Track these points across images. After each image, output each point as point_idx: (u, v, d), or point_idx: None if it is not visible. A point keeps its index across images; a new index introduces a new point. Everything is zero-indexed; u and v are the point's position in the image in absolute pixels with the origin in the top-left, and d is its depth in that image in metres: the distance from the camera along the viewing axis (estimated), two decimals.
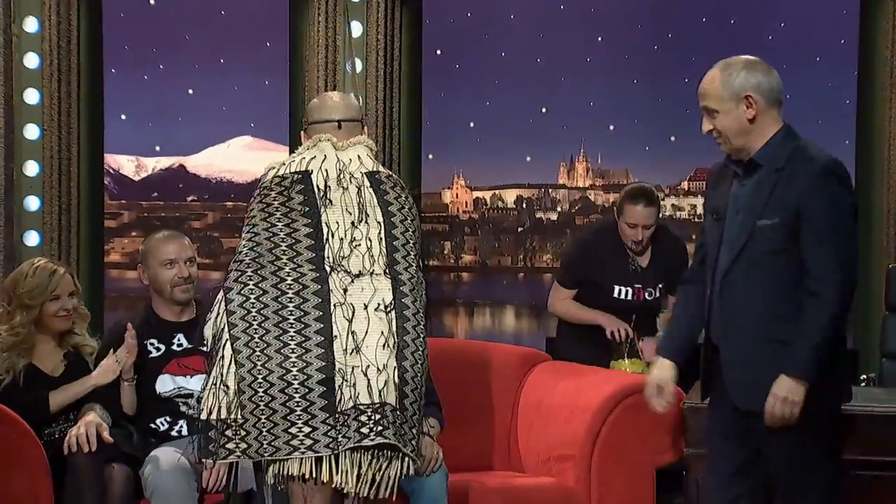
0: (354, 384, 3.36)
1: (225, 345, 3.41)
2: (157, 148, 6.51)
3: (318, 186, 3.54)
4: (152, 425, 4.23)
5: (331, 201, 3.54)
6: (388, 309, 3.45)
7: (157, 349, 4.30)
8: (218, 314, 3.46)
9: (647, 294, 5.03)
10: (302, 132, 3.81)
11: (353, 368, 3.37)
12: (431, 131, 6.23)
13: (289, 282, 3.44)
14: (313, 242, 3.48)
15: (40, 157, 5.96)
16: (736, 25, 6.21)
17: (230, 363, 3.40)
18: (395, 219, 3.57)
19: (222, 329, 3.43)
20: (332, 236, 3.49)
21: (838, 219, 3.34)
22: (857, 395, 3.89)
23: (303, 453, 3.35)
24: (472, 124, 6.52)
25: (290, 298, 3.42)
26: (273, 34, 6.27)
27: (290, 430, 3.35)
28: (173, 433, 4.24)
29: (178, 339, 4.32)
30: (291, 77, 6.13)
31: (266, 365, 3.37)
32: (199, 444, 3.44)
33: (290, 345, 3.38)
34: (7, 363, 4.20)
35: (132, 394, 4.21)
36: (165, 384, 4.27)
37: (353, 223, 3.53)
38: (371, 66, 6.01)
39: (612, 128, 6.33)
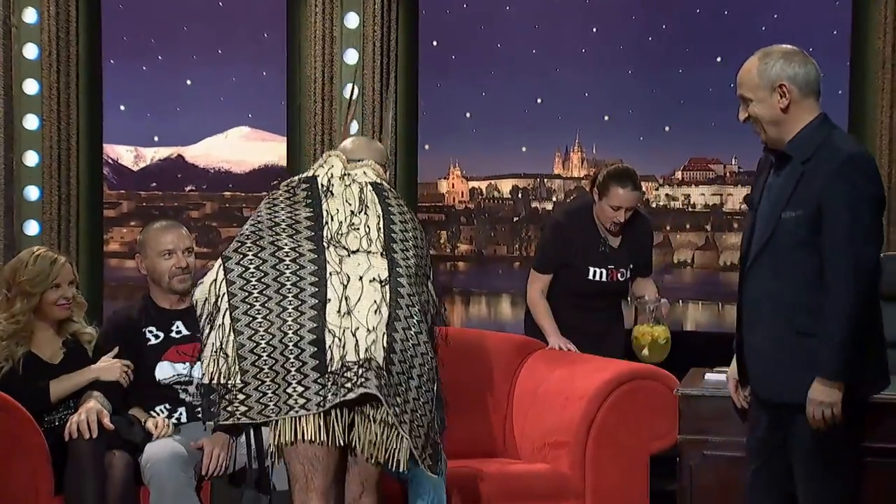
0: (344, 344, 3.40)
1: (224, 314, 3.47)
2: (156, 138, 6.51)
3: (322, 184, 3.65)
4: (152, 413, 4.25)
5: (332, 193, 3.63)
6: (383, 283, 3.50)
7: (156, 336, 4.32)
8: (214, 281, 3.52)
9: (619, 275, 5.01)
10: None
11: (344, 330, 3.41)
12: (428, 122, 6.23)
13: (286, 251, 3.50)
14: (313, 223, 3.56)
15: (40, 147, 5.96)
16: (729, 17, 6.21)
17: (229, 331, 3.45)
18: (395, 217, 3.64)
19: (221, 297, 3.48)
20: (332, 220, 3.57)
21: (857, 213, 3.30)
22: None
23: (297, 412, 3.38)
24: (468, 115, 6.52)
25: (288, 266, 3.48)
26: (271, 26, 6.26)
27: (286, 391, 3.40)
28: (172, 420, 4.25)
29: (177, 327, 4.34)
30: (289, 68, 6.13)
31: (267, 330, 3.42)
32: (203, 408, 3.52)
33: (287, 309, 3.44)
34: (6, 351, 4.21)
35: None
36: (164, 371, 4.28)
37: (352, 212, 3.60)
38: (368, 58, 6.00)
39: (606, 118, 6.33)
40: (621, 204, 4.88)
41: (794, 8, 6.13)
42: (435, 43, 6.36)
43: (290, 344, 3.41)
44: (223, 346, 3.45)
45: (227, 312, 3.46)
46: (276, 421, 3.42)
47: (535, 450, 4.50)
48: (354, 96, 5.77)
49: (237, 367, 3.42)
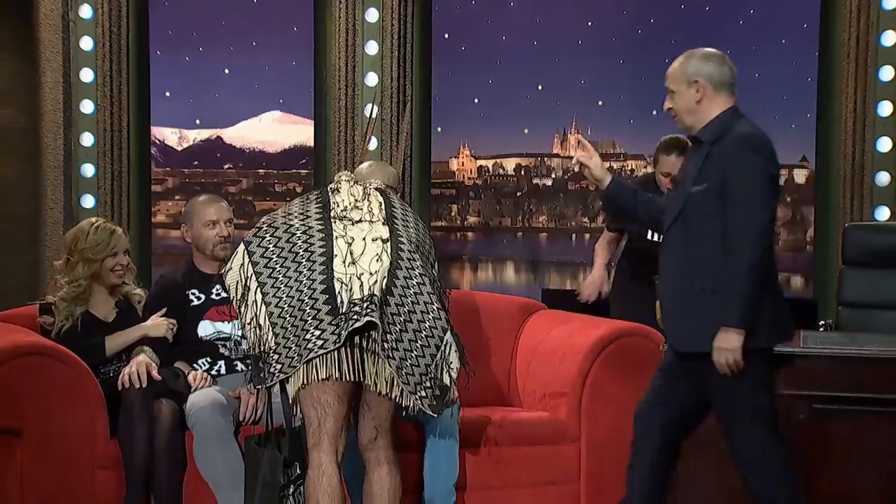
0: (350, 288, 3.41)
1: (255, 291, 3.49)
2: (198, 121, 6.49)
3: (331, 188, 3.68)
4: (194, 366, 4.25)
5: (339, 191, 3.65)
6: (385, 241, 3.51)
7: (199, 298, 4.31)
8: (242, 264, 3.54)
9: None
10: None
11: (350, 276, 3.42)
12: (440, 106, 6.21)
13: (297, 225, 3.54)
14: (320, 208, 3.59)
15: (94, 129, 5.96)
16: (711, 11, 6.17)
17: (261, 305, 3.46)
18: (397, 212, 3.64)
19: (249, 277, 3.51)
20: (337, 205, 3.59)
21: (754, 186, 3.43)
22: (817, 340, 3.92)
23: (317, 353, 3.38)
24: (476, 100, 6.50)
25: (299, 237, 3.51)
26: (299, 20, 6.24)
27: (305, 338, 3.40)
28: (213, 372, 4.26)
29: (217, 289, 4.32)
30: (316, 58, 6.12)
31: (288, 294, 3.44)
32: (250, 374, 3.53)
33: (302, 272, 3.45)
34: (66, 311, 4.22)
35: None
36: (206, 329, 4.28)
37: (356, 200, 3.61)
38: (386, 49, 5.99)
39: (600, 103, 6.31)
40: (668, 170, 4.75)
41: (768, 3, 6.09)
42: (447, 35, 6.33)
43: (305, 298, 3.42)
44: (257, 318, 3.47)
45: (258, 289, 3.48)
46: (297, 367, 3.42)
47: (537, 399, 4.50)
48: (374, 115, 5.74)
49: (270, 332, 3.44)
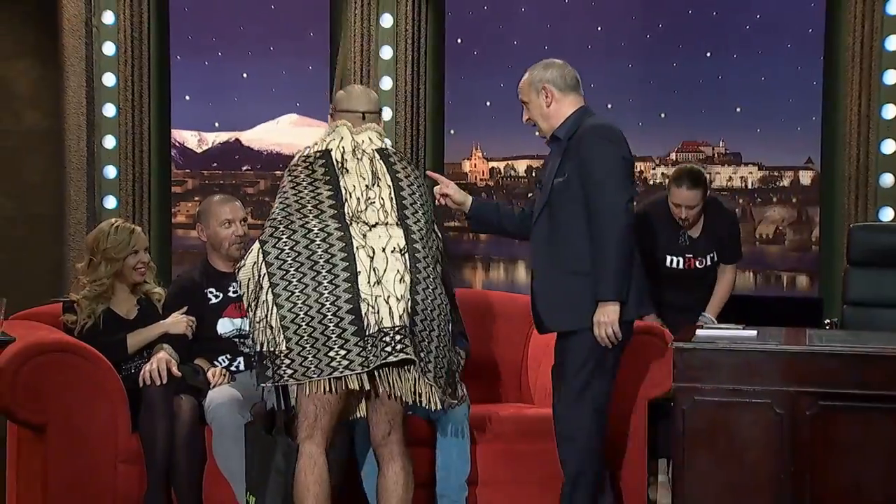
0: (378, 311, 3.40)
1: (267, 291, 3.45)
2: (216, 124, 6.50)
3: (336, 160, 3.58)
4: (214, 362, 4.26)
5: (347, 170, 3.57)
6: (403, 251, 3.49)
7: (216, 296, 4.31)
8: (255, 263, 3.50)
9: (697, 263, 4.86)
10: (329, 116, 3.82)
11: (376, 298, 3.42)
12: (453, 109, 6.20)
13: (316, 231, 3.47)
14: (334, 202, 3.52)
15: (116, 132, 5.97)
16: (717, 17, 6.15)
17: (272, 306, 3.43)
18: (403, 183, 3.61)
19: (262, 277, 3.46)
20: (350, 196, 3.54)
21: (608, 169, 3.64)
22: (822, 337, 3.90)
23: (341, 372, 3.40)
24: (488, 103, 6.48)
25: (318, 245, 3.46)
26: (316, 25, 6.24)
27: (329, 354, 3.40)
28: (232, 368, 4.26)
29: (233, 287, 4.32)
30: (331, 62, 6.11)
31: (305, 302, 3.41)
32: (256, 372, 3.52)
33: (322, 283, 3.42)
34: (89, 309, 4.24)
35: None
36: (225, 326, 4.29)
37: (367, 186, 3.56)
38: (400, 53, 5.98)
39: (609, 106, 6.28)
40: (679, 202, 4.74)
41: (773, 9, 6.06)
42: (459, 40, 6.32)
43: (329, 313, 3.40)
44: (268, 319, 3.44)
45: (269, 290, 3.44)
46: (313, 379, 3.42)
47: (547, 395, 4.48)
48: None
49: (282, 335, 3.42)
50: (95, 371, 4.00)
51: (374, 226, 3.51)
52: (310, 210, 3.52)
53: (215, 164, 6.50)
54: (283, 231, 3.50)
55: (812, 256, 6.00)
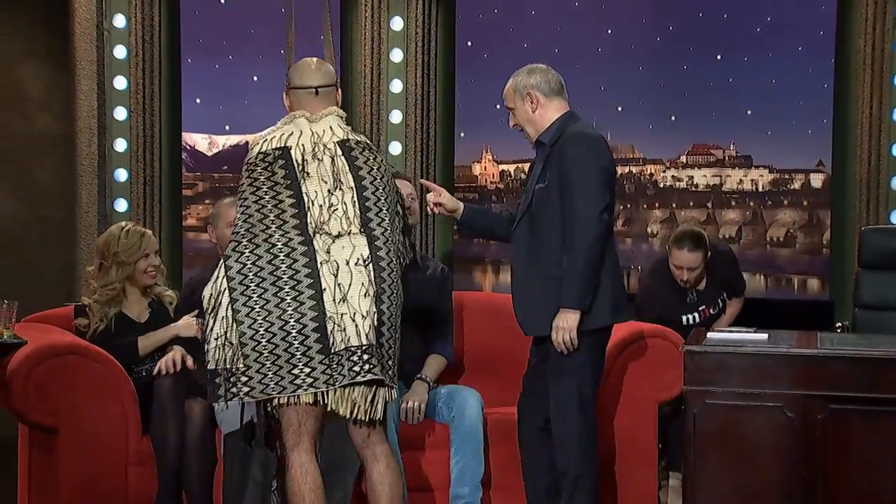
0: (344, 329, 3.35)
1: (227, 307, 3.37)
2: (227, 127, 6.50)
3: (296, 161, 3.45)
4: None
5: (308, 174, 3.45)
6: (367, 262, 3.41)
7: None
8: (217, 278, 3.41)
9: (711, 310, 4.93)
10: (284, 94, 3.68)
11: (342, 315, 3.36)
12: (463, 112, 6.20)
13: (279, 246, 3.38)
14: (297, 211, 3.41)
15: (127, 135, 5.98)
16: (728, 19, 6.14)
17: (231, 322, 3.36)
18: (366, 181, 3.49)
19: (222, 293, 3.38)
20: (313, 204, 3.43)
21: (585, 178, 3.66)
22: (834, 341, 3.90)
23: (305, 390, 3.35)
24: (498, 106, 6.41)
25: (282, 261, 3.37)
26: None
27: (292, 371, 3.34)
28: None
29: None
30: (342, 65, 6.11)
31: (266, 318, 3.34)
32: (209, 389, 3.42)
33: (286, 299, 3.35)
34: (101, 313, 4.25)
35: None
36: None
37: (329, 191, 3.45)
38: (411, 56, 5.98)
39: (619, 109, 6.28)
40: (682, 264, 4.80)
41: (785, 11, 6.05)
42: (469, 43, 6.33)
43: (294, 331, 3.34)
44: (227, 335, 3.37)
45: (229, 305, 3.36)
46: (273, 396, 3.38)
47: None
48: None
49: (240, 352, 3.35)
50: (107, 374, 4.01)
51: (337, 237, 3.42)
52: (272, 220, 3.41)
53: (226, 168, 6.51)
54: (245, 245, 3.40)
55: (823, 259, 5.99)
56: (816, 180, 6.04)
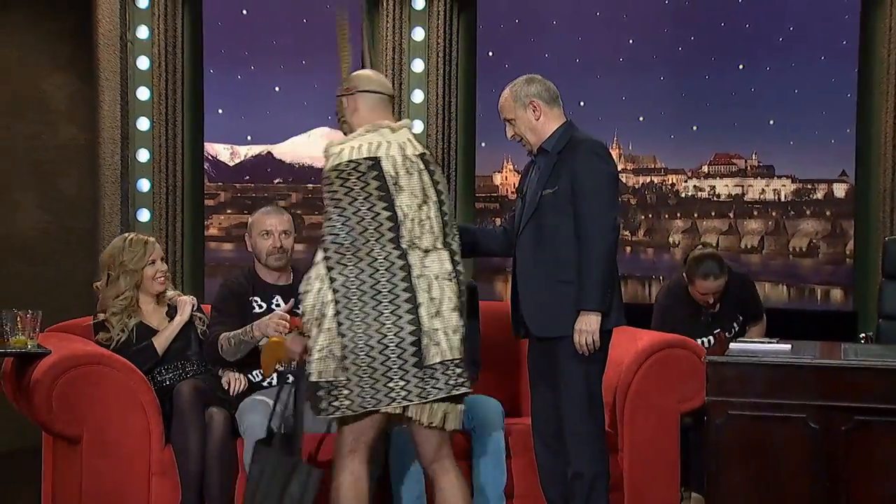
0: (438, 343, 3.42)
1: (331, 318, 3.41)
2: (249, 137, 6.53)
3: (388, 173, 3.49)
4: (249, 376, 4.27)
5: (401, 187, 3.50)
6: (451, 277, 3.50)
7: (260, 307, 4.30)
8: (320, 289, 3.43)
9: (726, 334, 4.92)
10: (345, 97, 3.66)
11: (435, 329, 3.43)
12: (484, 122, 6.21)
13: (380, 260, 3.43)
14: (392, 224, 3.46)
15: (150, 145, 6.02)
16: (750, 29, 6.13)
17: (336, 334, 3.41)
18: (442, 196, 3.58)
19: (327, 303, 3.41)
20: (405, 218, 3.48)
21: (598, 185, 3.76)
22: (857, 351, 3.87)
23: (399, 403, 3.41)
24: None
25: (382, 275, 3.42)
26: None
27: (388, 385, 3.40)
28: (265, 383, 4.27)
29: (277, 301, 4.32)
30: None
31: (366, 332, 3.39)
32: (313, 403, 3.46)
33: (384, 313, 3.40)
34: (120, 324, 4.26)
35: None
36: (264, 339, 4.28)
37: (418, 205, 3.51)
38: (432, 66, 6.00)
39: (641, 119, 6.27)
40: (707, 292, 4.85)
41: (807, 20, 6.03)
42: (490, 53, 6.33)
43: (392, 344, 3.40)
44: (331, 347, 3.41)
45: (334, 317, 3.41)
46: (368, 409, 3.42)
47: None
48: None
49: (342, 364, 3.40)
50: (129, 383, 4.03)
51: (427, 251, 3.49)
52: (371, 233, 3.45)
53: (247, 178, 6.53)
54: (349, 258, 3.44)
55: (846, 269, 5.96)
56: (839, 190, 6.01)
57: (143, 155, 6.01)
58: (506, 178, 6.60)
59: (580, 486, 3.82)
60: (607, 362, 3.91)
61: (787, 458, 3.58)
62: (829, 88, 5.93)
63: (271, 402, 4.07)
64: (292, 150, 6.56)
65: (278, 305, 4.29)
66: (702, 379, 3.74)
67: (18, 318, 3.94)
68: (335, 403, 3.41)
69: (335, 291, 3.41)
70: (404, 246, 3.46)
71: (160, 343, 4.23)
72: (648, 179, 6.34)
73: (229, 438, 4.03)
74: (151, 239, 4.38)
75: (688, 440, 4.55)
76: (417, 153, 3.57)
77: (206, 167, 6.31)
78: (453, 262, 3.53)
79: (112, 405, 3.99)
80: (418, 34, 6.02)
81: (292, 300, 4.19)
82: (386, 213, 3.46)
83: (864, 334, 5.02)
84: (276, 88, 6.39)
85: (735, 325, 4.95)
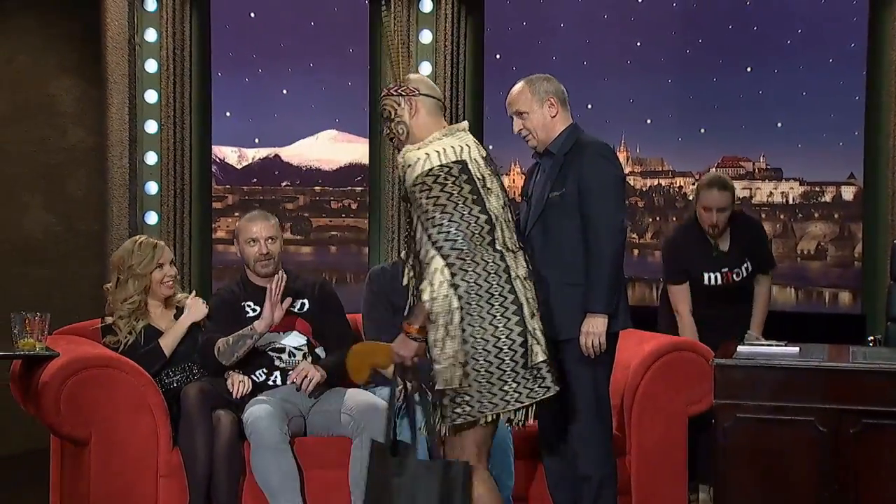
0: (540, 342, 3.46)
1: (457, 326, 3.40)
2: (257, 140, 6.54)
3: (476, 176, 3.47)
4: (252, 377, 4.28)
5: (490, 189, 3.49)
6: (529, 279, 3.54)
7: (254, 310, 4.33)
8: (447, 296, 3.39)
9: (734, 275, 4.93)
10: (403, 98, 3.61)
11: (534, 329, 3.46)
12: (492, 125, 6.20)
13: (490, 264, 3.42)
14: (490, 227, 3.45)
15: (158, 148, 6.03)
16: (758, 31, 6.12)
17: (460, 341, 3.40)
18: (508, 198, 3.62)
19: (454, 310, 3.39)
20: (497, 220, 3.47)
21: (606, 187, 3.76)
22: (866, 354, 3.87)
23: (513, 406, 3.44)
24: None
25: (493, 278, 3.42)
26: (355, 41, 6.27)
27: (503, 388, 3.42)
28: (270, 383, 4.28)
29: None
30: (370, 78, 6.14)
31: (483, 336, 3.41)
32: (442, 413, 3.45)
33: (496, 316, 3.42)
34: (129, 327, 4.27)
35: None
36: (261, 340, 4.30)
37: (502, 207, 3.53)
38: (440, 69, 6.00)
39: (648, 121, 6.27)
40: (710, 204, 4.87)
41: (815, 22, 6.03)
42: (498, 56, 6.34)
43: (504, 347, 3.41)
44: (457, 355, 3.40)
45: (459, 324, 3.40)
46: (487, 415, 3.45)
47: None
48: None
49: (464, 371, 3.40)
50: (137, 386, 4.04)
51: (514, 252, 3.52)
52: (476, 238, 3.43)
53: (255, 180, 6.54)
54: (469, 263, 3.41)
55: (854, 272, 5.95)
56: (848, 193, 6.00)
57: (151, 158, 6.02)
58: (513, 181, 6.60)
59: (588, 489, 3.82)
60: (614, 365, 3.91)
61: (796, 460, 3.58)
62: (837, 91, 5.92)
63: (277, 405, 4.08)
64: (300, 153, 6.57)
65: None
66: (709, 382, 3.73)
67: (27, 321, 3.95)
68: (458, 410, 3.42)
69: (460, 298, 3.40)
70: (499, 248, 3.46)
71: (167, 343, 4.24)
72: (656, 182, 6.33)
73: (237, 440, 4.04)
74: (161, 243, 4.39)
75: (696, 443, 4.55)
76: (484, 156, 3.57)
77: (213, 170, 6.33)
78: (527, 263, 3.56)
79: (120, 407, 4.00)
80: (426, 36, 6.02)
81: (289, 298, 4.22)
82: (483, 216, 3.44)
83: (872, 337, 4.98)
84: (284, 91, 6.40)
85: (744, 269, 4.94)
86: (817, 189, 6.05)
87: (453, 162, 3.45)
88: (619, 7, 6.28)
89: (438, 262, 3.40)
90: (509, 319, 3.42)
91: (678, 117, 6.17)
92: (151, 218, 6.02)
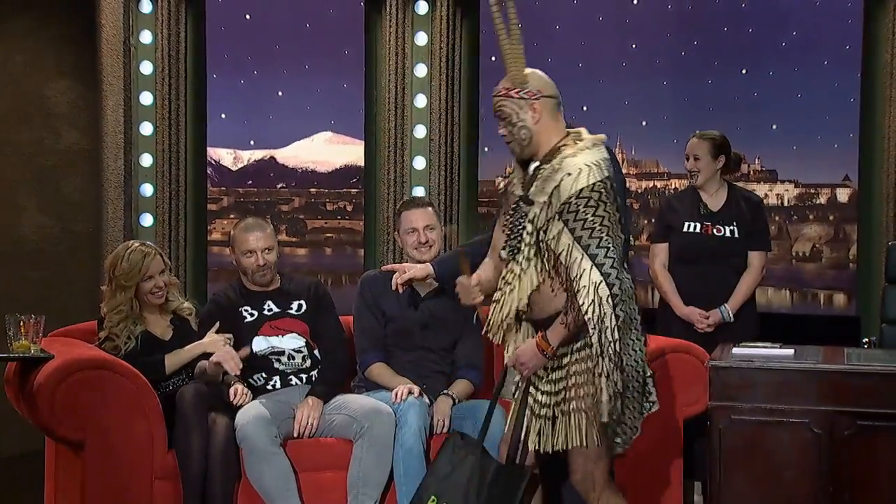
0: (646, 359, 3.45)
1: (618, 352, 3.25)
2: (252, 142, 6.54)
3: (619, 192, 3.35)
4: (250, 381, 4.27)
5: (621, 205, 3.38)
6: None
7: (251, 315, 4.33)
8: (610, 328, 3.22)
9: (715, 230, 4.91)
10: (524, 101, 3.44)
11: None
12: (487, 127, 6.21)
13: (628, 285, 3.29)
14: (626, 248, 3.41)
15: (153, 150, 6.03)
16: (753, 34, 6.13)
17: (620, 370, 3.28)
18: None
19: (616, 340, 3.23)
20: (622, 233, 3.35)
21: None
22: (861, 356, 3.88)
23: (638, 426, 3.46)
24: None
25: (631, 302, 3.31)
26: (350, 43, 6.27)
27: (641, 412, 3.44)
28: (268, 387, 4.28)
29: (268, 305, 4.35)
30: (366, 81, 6.15)
31: (635, 360, 3.37)
32: (609, 442, 3.39)
33: (634, 341, 3.36)
34: (126, 332, 4.26)
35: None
36: (260, 344, 4.30)
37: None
38: (435, 71, 6.01)
39: (644, 123, 6.28)
40: (687, 151, 4.98)
41: (809, 24, 6.03)
42: (493, 58, 6.32)
43: (641, 370, 3.41)
44: (618, 385, 3.27)
45: (619, 348, 3.25)
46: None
47: None
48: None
49: (623, 400, 3.33)
50: (133, 388, 4.03)
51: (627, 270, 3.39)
52: (622, 257, 3.30)
53: (250, 182, 6.54)
54: (623, 289, 3.24)
55: (849, 274, 5.96)
56: (843, 195, 6.01)
57: (147, 160, 6.02)
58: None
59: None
60: None
61: (790, 462, 3.59)
62: (833, 93, 5.93)
63: (268, 409, 4.07)
64: (295, 155, 6.57)
65: (270, 310, 4.31)
66: (705, 383, 3.74)
67: (21, 323, 3.93)
68: (617, 440, 3.40)
69: (617, 317, 3.22)
70: (627, 268, 3.33)
71: (171, 363, 4.22)
72: (651, 184, 6.34)
73: (232, 443, 4.04)
74: (152, 252, 4.30)
75: (691, 445, 4.55)
76: None
77: (208, 172, 6.32)
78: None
79: (115, 410, 3.99)
80: (421, 39, 6.02)
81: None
82: (623, 236, 3.31)
83: (867, 339, 5.01)
84: (279, 93, 6.40)
85: (727, 230, 4.90)
86: (812, 191, 6.06)
87: (607, 177, 3.26)
88: (614, 9, 6.29)
89: (595, 277, 3.20)
90: (638, 340, 3.37)
91: (673, 119, 6.18)
92: (146, 220, 6.02)
